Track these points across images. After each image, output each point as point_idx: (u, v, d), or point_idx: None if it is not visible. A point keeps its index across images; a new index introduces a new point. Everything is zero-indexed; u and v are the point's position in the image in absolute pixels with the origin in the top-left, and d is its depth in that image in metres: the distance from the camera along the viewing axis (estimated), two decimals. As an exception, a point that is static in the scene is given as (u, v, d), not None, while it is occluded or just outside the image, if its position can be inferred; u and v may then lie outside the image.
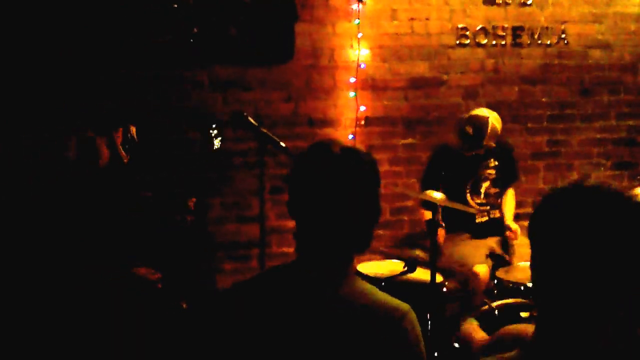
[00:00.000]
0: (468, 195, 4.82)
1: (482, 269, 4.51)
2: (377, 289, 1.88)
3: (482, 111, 4.74)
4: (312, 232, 1.88)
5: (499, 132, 4.73)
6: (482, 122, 4.64)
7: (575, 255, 1.45)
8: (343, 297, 1.82)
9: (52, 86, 4.73)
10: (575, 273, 1.46)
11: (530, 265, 1.58)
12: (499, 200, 4.91)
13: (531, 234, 1.56)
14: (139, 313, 3.55)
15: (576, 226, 1.46)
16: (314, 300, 1.83)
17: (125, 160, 3.58)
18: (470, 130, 4.64)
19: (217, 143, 3.74)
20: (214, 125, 3.74)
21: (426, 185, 4.76)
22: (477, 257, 4.59)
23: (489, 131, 4.63)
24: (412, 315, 1.81)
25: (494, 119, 4.68)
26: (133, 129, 3.76)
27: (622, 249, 1.44)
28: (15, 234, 3.48)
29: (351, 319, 1.78)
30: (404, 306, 1.82)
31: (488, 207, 4.85)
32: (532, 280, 1.58)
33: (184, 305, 4.01)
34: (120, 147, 3.57)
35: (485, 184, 4.84)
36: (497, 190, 4.87)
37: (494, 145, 4.73)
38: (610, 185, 1.51)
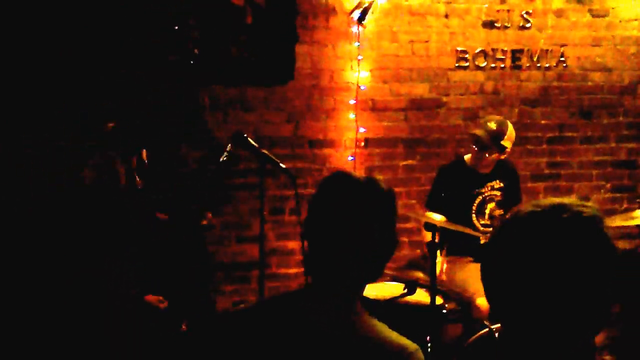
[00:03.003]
0: (473, 216, 4.83)
1: (484, 302, 4.46)
2: (386, 326, 1.85)
3: (499, 116, 4.96)
4: (327, 260, 1.87)
5: (514, 140, 4.82)
6: (503, 120, 4.82)
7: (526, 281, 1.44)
8: (352, 332, 1.80)
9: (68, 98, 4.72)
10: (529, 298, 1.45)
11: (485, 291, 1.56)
12: None
13: (485, 261, 1.57)
14: (146, 339, 3.53)
15: (522, 254, 1.45)
16: (323, 333, 1.80)
17: (139, 186, 3.56)
18: (493, 125, 4.71)
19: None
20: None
21: (431, 204, 4.79)
22: (479, 285, 4.53)
23: (509, 129, 4.73)
24: (420, 354, 1.79)
25: (510, 124, 4.81)
26: (144, 153, 3.75)
27: (574, 273, 1.41)
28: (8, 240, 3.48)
29: (359, 355, 1.76)
30: (412, 346, 1.80)
31: (492, 229, 4.85)
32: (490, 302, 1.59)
33: (184, 327, 3.99)
34: (135, 172, 3.55)
35: (491, 205, 4.86)
36: (501, 211, 4.87)
37: (509, 150, 4.80)
38: (571, 205, 1.46)
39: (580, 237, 1.41)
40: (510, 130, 4.75)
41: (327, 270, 1.87)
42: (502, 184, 4.88)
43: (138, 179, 3.53)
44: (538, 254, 1.42)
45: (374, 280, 1.93)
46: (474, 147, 4.78)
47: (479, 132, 4.75)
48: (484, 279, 1.57)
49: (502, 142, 4.72)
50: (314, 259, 1.90)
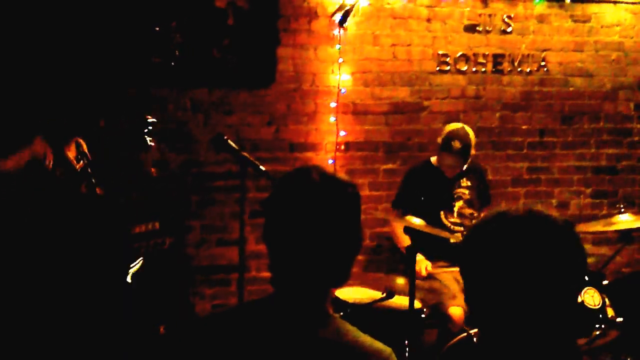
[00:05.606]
0: (442, 214, 4.84)
1: (456, 312, 4.43)
2: (358, 330, 1.79)
3: (456, 125, 4.87)
4: (289, 264, 1.79)
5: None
6: (464, 133, 4.77)
7: (504, 281, 1.50)
8: (322, 339, 1.74)
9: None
10: (507, 297, 1.50)
11: (465, 294, 1.61)
12: (473, 222, 4.90)
13: (462, 264, 1.61)
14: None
15: (500, 254, 1.51)
16: (292, 342, 1.74)
17: (77, 168, 3.52)
18: (458, 144, 4.70)
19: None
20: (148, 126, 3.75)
21: (398, 204, 4.82)
22: (452, 294, 4.52)
23: (471, 139, 4.76)
24: (394, 358, 1.74)
25: (468, 129, 4.81)
26: (83, 143, 3.72)
27: (547, 270, 1.48)
28: None
29: None
30: (386, 349, 1.74)
31: (462, 228, 4.85)
32: (470, 308, 1.62)
33: (162, 330, 3.97)
34: (73, 157, 3.52)
35: (459, 204, 4.87)
36: (471, 211, 4.88)
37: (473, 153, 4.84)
38: (536, 210, 1.56)
39: (556, 241, 1.50)
40: (472, 137, 4.78)
41: (290, 276, 1.80)
42: (469, 183, 4.91)
43: (75, 162, 3.50)
44: (515, 256, 1.49)
45: (341, 283, 1.84)
46: (448, 168, 4.85)
47: (451, 160, 4.79)
48: (464, 279, 1.61)
49: (470, 154, 4.80)
50: (276, 264, 1.82)
